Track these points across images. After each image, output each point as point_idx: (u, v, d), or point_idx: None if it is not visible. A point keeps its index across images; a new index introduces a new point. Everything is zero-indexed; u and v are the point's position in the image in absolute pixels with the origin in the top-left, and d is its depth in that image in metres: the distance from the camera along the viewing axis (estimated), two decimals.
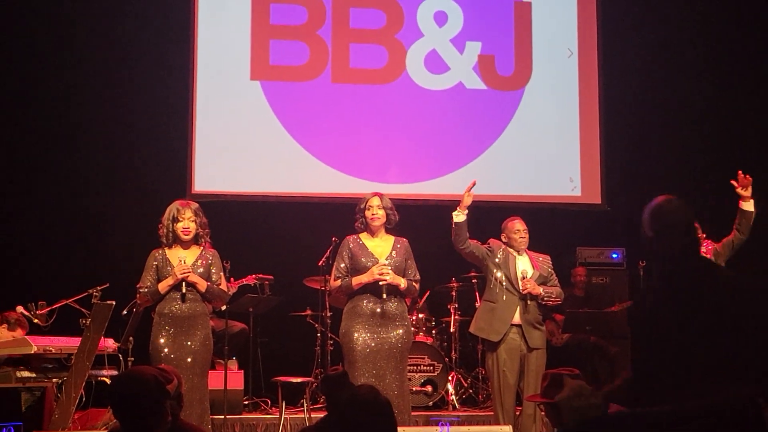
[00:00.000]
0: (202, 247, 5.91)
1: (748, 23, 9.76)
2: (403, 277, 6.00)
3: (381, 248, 6.06)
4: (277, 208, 9.11)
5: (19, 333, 6.88)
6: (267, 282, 8.10)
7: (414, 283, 6.06)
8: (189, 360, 5.74)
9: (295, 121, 9.14)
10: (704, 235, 6.76)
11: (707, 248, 6.74)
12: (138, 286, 5.96)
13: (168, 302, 5.82)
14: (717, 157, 9.77)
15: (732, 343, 2.94)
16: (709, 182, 9.63)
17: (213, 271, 5.90)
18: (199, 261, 5.88)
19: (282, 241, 8.91)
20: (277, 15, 9.25)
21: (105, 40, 9.03)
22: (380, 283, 5.88)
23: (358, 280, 5.92)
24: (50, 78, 8.93)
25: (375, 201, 6.06)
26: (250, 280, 7.87)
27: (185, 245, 5.90)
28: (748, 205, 6.57)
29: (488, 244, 6.61)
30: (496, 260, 6.45)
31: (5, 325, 6.96)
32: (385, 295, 5.88)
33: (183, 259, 5.78)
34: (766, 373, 2.97)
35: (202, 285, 5.79)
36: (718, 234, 6.87)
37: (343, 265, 6.02)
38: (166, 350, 5.74)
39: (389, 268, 5.90)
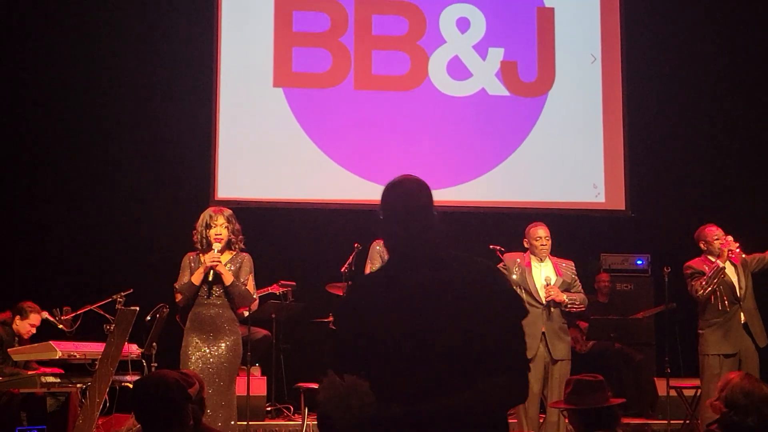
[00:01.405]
0: (235, 252, 5.96)
1: None
2: None
3: None
4: (300, 215, 9.12)
5: (34, 318, 6.90)
6: (289, 288, 8.10)
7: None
8: (215, 366, 5.77)
9: (317, 127, 9.15)
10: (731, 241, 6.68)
11: (735, 255, 6.67)
12: (175, 285, 6.00)
13: (198, 307, 5.84)
14: (743, 163, 9.70)
15: (455, 344, 2.49)
16: (735, 188, 9.56)
17: (242, 271, 5.94)
18: (230, 264, 5.92)
19: (304, 247, 8.92)
20: (299, 22, 9.28)
21: (130, 48, 9.10)
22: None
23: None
24: (76, 86, 9.00)
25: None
26: (276, 289, 7.87)
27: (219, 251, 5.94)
28: None
29: (503, 262, 6.57)
30: (513, 277, 6.41)
31: (18, 317, 7.00)
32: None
33: (215, 249, 5.82)
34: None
35: (228, 278, 5.81)
36: (745, 239, 6.79)
37: (378, 265, 6.06)
38: (196, 354, 5.77)
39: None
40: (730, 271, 6.67)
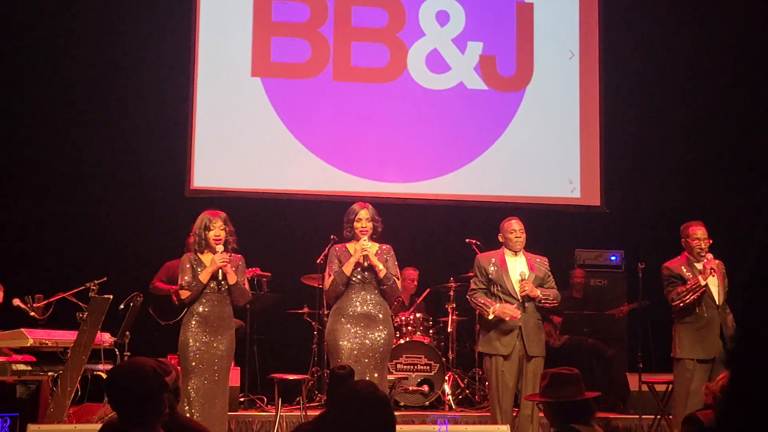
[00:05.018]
0: (230, 254, 6.23)
1: (751, 25, 9.75)
2: None
3: None
4: (276, 205, 9.09)
5: None
6: (265, 279, 8.09)
7: (395, 279, 6.36)
8: (216, 358, 6.05)
9: (295, 118, 9.12)
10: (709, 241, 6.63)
11: (719, 267, 6.61)
12: (179, 284, 6.24)
13: (199, 303, 6.12)
14: (717, 161, 9.77)
15: None
16: (711, 185, 9.64)
17: (239, 272, 6.28)
18: (230, 264, 6.23)
19: (280, 238, 8.90)
20: (278, 12, 9.23)
21: (106, 36, 9.02)
22: (362, 254, 6.23)
23: (347, 264, 6.25)
24: (49, 73, 8.90)
25: (364, 213, 6.35)
26: (248, 272, 7.87)
27: (214, 252, 6.20)
28: None
29: (476, 262, 6.58)
30: (490, 277, 6.44)
31: None
32: (366, 264, 6.23)
33: (219, 250, 6.13)
34: None
35: (233, 278, 6.16)
36: (721, 236, 6.77)
37: (336, 267, 6.32)
38: (195, 348, 6.03)
39: (369, 243, 6.24)
40: (709, 278, 6.59)
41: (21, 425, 5.57)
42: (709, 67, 9.87)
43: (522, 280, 6.36)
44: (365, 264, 6.24)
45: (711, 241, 6.63)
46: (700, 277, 6.50)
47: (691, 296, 6.51)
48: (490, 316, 6.35)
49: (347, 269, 6.23)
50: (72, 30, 8.96)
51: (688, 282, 6.54)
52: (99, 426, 3.52)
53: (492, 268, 6.45)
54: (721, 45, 9.84)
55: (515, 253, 6.51)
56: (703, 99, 9.84)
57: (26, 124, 8.86)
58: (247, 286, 6.40)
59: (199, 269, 6.13)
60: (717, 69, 9.86)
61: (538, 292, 6.38)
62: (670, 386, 7.13)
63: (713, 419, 3.86)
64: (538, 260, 6.58)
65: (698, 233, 6.63)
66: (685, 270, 6.61)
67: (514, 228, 6.53)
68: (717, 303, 6.56)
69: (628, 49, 9.86)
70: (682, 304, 6.54)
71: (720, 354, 6.50)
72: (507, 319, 6.30)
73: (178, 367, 4.55)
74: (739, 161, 9.73)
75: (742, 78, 9.77)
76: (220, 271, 6.11)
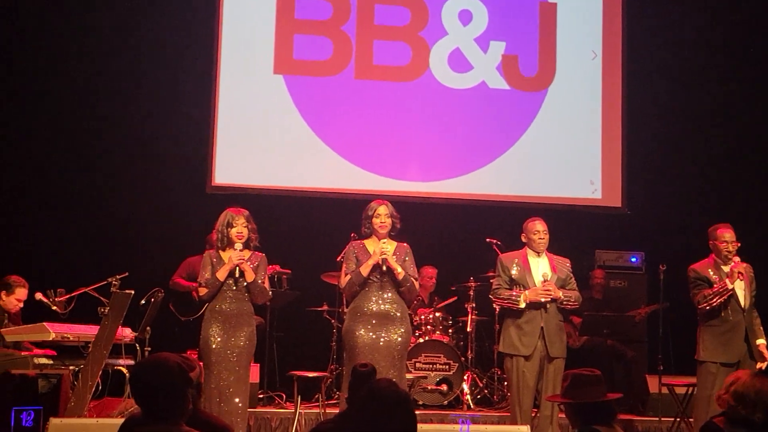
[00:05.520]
0: (251, 252, 6.27)
1: None
2: None
3: None
4: (297, 203, 9.10)
5: (20, 293, 6.82)
6: (285, 276, 8.11)
7: (413, 280, 6.35)
8: (235, 354, 6.09)
9: (316, 116, 9.14)
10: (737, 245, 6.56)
11: (747, 271, 6.55)
12: (198, 280, 6.30)
13: (218, 300, 6.16)
14: (741, 162, 9.71)
15: None
16: (732, 187, 9.58)
17: (260, 270, 6.29)
18: (249, 262, 6.24)
19: (300, 236, 8.90)
20: (302, 9, 9.25)
21: (129, 32, 9.05)
22: (381, 257, 6.21)
23: (365, 266, 6.23)
24: (73, 70, 8.94)
25: (382, 210, 6.35)
26: (268, 270, 7.89)
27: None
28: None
29: (499, 262, 6.56)
30: (513, 277, 6.42)
31: (4, 292, 6.87)
32: (384, 268, 6.20)
33: (237, 248, 6.16)
34: None
35: (251, 275, 6.17)
36: (743, 238, 6.71)
37: (353, 265, 6.33)
38: (215, 344, 6.07)
39: (388, 246, 6.23)
40: (736, 282, 6.52)
41: (44, 419, 5.60)
42: (734, 67, 9.81)
43: (545, 281, 6.34)
44: (384, 268, 6.22)
45: (739, 245, 6.56)
46: (727, 281, 6.44)
47: (717, 299, 6.45)
48: (522, 305, 6.32)
49: (364, 271, 6.22)
50: (95, 27, 9.00)
51: (715, 285, 6.48)
52: (120, 420, 3.54)
53: (515, 269, 6.43)
54: (746, 44, 9.79)
55: (538, 254, 6.48)
56: (727, 100, 9.79)
57: (49, 121, 8.90)
58: (267, 284, 6.37)
59: (218, 266, 6.16)
60: (741, 69, 9.80)
61: (560, 294, 6.36)
62: (690, 389, 7.09)
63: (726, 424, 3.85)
64: (560, 261, 6.56)
65: (726, 236, 6.57)
66: (711, 273, 6.55)
67: (538, 229, 6.50)
68: (743, 307, 6.51)
69: (651, 49, 9.82)
70: (708, 307, 6.48)
71: (744, 358, 6.45)
72: (542, 299, 6.28)
73: (201, 363, 4.61)
74: (764, 163, 9.65)
75: None
76: (237, 268, 6.12)
